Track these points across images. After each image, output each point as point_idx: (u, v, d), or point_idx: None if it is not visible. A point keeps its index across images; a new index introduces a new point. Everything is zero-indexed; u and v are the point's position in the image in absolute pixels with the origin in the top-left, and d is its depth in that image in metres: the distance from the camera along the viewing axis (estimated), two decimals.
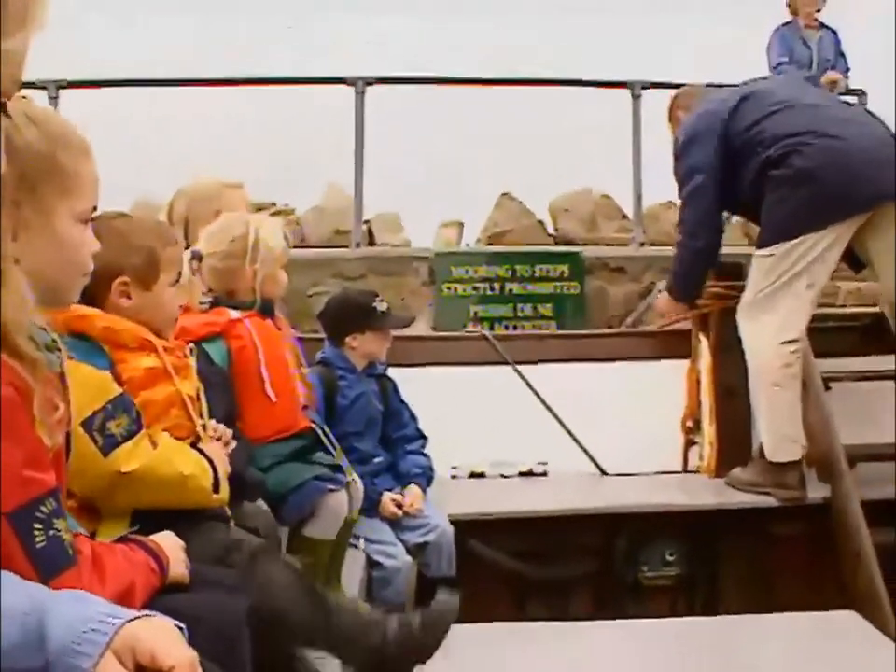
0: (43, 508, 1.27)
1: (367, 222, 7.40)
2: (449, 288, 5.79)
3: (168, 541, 1.60)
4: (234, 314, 2.71)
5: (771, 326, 3.74)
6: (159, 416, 1.98)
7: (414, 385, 3.75)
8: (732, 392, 4.07)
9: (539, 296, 5.84)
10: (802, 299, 3.74)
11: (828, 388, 3.94)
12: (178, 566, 1.58)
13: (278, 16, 10.60)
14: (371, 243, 7.13)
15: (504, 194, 7.65)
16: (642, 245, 6.26)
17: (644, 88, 6.25)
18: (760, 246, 3.82)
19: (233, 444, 2.17)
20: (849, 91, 6.77)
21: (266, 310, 2.80)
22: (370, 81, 6.07)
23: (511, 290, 5.84)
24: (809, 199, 3.64)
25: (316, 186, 7.84)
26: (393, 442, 3.61)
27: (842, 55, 6.76)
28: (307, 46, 9.76)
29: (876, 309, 4.23)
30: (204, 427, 2.07)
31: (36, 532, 1.26)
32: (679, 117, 4.13)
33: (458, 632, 2.81)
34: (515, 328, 5.79)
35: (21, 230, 1.42)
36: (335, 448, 2.94)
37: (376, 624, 2.21)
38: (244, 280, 2.76)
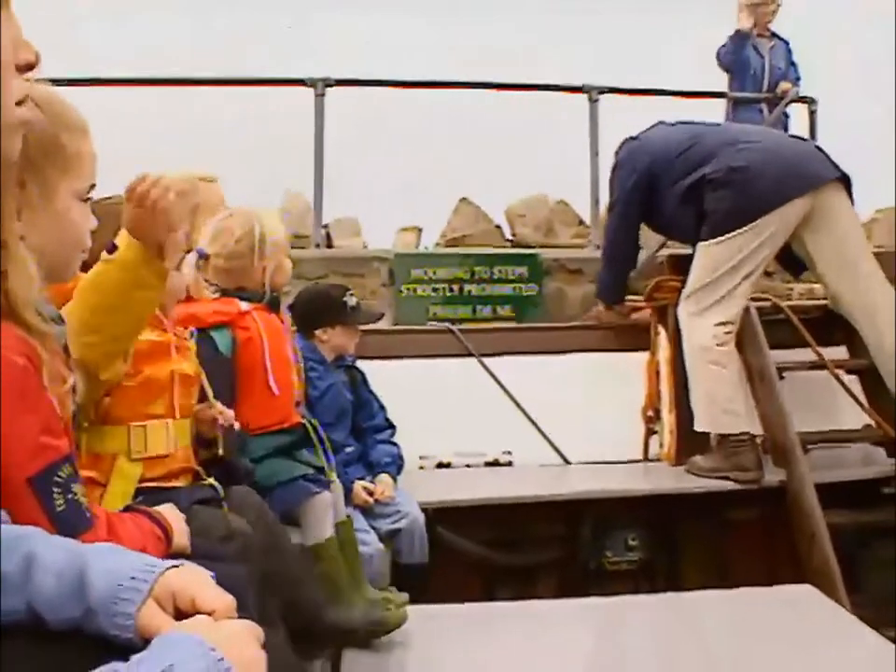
0: (61, 472, 1.31)
1: (325, 226, 7.42)
2: (409, 289, 5.81)
3: (171, 513, 1.65)
4: (244, 305, 2.77)
5: (708, 311, 3.97)
6: (160, 393, 2.03)
7: (381, 377, 3.81)
8: None
9: (498, 297, 5.88)
10: (737, 289, 3.97)
11: (782, 378, 4.07)
12: (182, 536, 1.62)
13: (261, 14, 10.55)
14: (330, 247, 7.11)
15: (462, 199, 7.68)
16: (598, 247, 6.34)
17: (601, 93, 6.32)
18: (702, 238, 4.02)
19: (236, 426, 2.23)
20: (800, 99, 6.96)
21: (273, 303, 2.86)
22: (329, 83, 6.08)
23: (469, 292, 5.87)
24: (746, 191, 3.90)
25: (279, 189, 7.84)
26: (363, 432, 3.68)
27: (793, 64, 6.95)
28: (278, 47, 9.73)
29: (826, 302, 4.39)
30: (211, 406, 2.13)
31: (56, 496, 1.30)
32: None
33: (429, 612, 2.93)
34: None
35: (25, 208, 1.46)
36: (323, 446, 2.97)
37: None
38: (252, 276, 2.82)
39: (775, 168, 3.92)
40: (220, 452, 2.22)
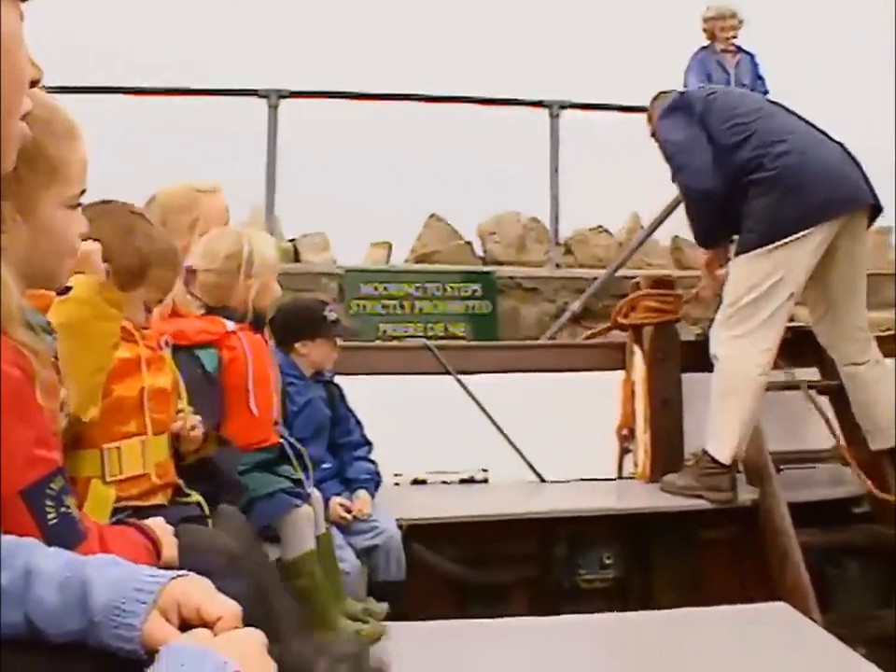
0: (53, 485, 1.30)
1: (293, 241, 7.35)
2: (358, 305, 5.70)
3: (160, 526, 1.65)
4: (229, 325, 2.77)
5: (754, 335, 3.79)
6: (132, 412, 2.01)
7: (356, 393, 3.80)
8: (666, 402, 4.24)
9: (450, 315, 5.80)
10: (782, 309, 3.81)
11: None
12: (171, 549, 1.62)
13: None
14: (298, 262, 7.02)
15: (432, 215, 7.64)
16: (558, 266, 6.31)
17: (562, 108, 6.31)
18: (743, 250, 3.85)
19: (200, 429, 2.21)
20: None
21: (258, 323, 2.87)
22: (283, 94, 6.03)
23: (421, 309, 5.78)
24: (797, 198, 3.70)
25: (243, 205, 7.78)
26: (340, 448, 3.66)
27: (760, 78, 6.80)
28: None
29: (798, 324, 4.45)
30: (182, 415, 2.11)
31: (49, 509, 1.29)
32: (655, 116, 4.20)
33: (402, 629, 2.92)
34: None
35: (7, 220, 1.43)
36: (301, 460, 2.97)
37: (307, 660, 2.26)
38: (237, 294, 2.82)
39: (829, 178, 3.74)
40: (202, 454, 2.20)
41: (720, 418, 3.90)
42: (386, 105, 6.94)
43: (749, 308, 3.81)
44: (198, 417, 2.17)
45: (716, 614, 3.06)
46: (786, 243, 3.71)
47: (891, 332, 4.56)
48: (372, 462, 3.66)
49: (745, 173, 3.81)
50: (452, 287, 5.85)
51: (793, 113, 4.07)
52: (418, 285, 5.83)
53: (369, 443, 3.71)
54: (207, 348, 2.69)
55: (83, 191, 1.58)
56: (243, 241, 2.83)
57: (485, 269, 6.33)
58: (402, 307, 5.76)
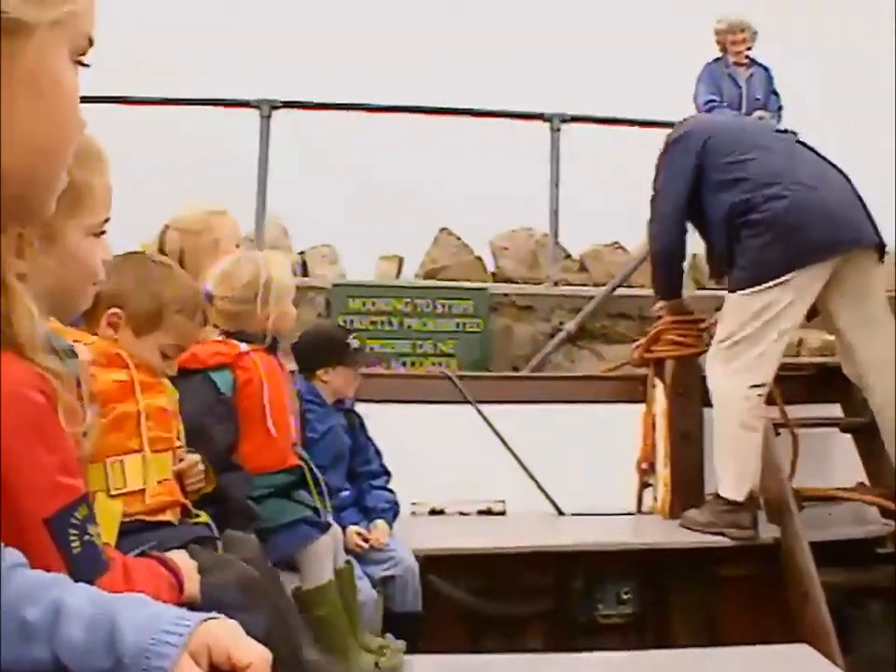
0: (77, 514, 1.28)
1: (302, 254, 7.28)
2: (344, 321, 5.52)
3: (183, 560, 1.64)
4: (243, 346, 2.76)
5: (742, 371, 3.82)
6: (133, 429, 1.97)
7: (375, 421, 3.80)
8: (687, 437, 4.20)
9: (440, 332, 5.63)
10: (773, 347, 3.83)
11: (777, 434, 4.08)
12: (193, 584, 1.60)
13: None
14: (306, 276, 6.85)
15: (443, 229, 7.51)
16: (556, 284, 6.13)
17: (563, 121, 6.20)
18: (736, 288, 3.89)
19: (200, 468, 2.19)
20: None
21: (272, 345, 2.86)
22: (276, 105, 5.97)
23: (410, 326, 5.61)
24: (790, 240, 3.74)
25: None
26: (358, 477, 3.65)
27: (774, 93, 6.65)
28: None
29: (821, 359, 4.41)
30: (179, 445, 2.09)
31: (73, 538, 1.26)
32: None
33: (417, 662, 2.89)
34: (413, 364, 5.55)
35: (28, 249, 1.44)
36: (321, 488, 2.95)
37: None
38: (255, 321, 2.81)
39: (822, 220, 3.76)
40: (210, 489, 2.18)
41: (719, 457, 3.94)
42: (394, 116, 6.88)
43: (741, 345, 3.85)
44: (197, 457, 2.15)
45: (736, 654, 3.03)
46: (775, 284, 3.76)
47: None
48: (391, 491, 3.65)
49: (738, 213, 3.85)
50: (442, 304, 5.67)
51: (800, 141, 4.08)
52: (407, 300, 5.65)
53: (388, 473, 3.69)
54: (221, 370, 2.68)
55: (108, 219, 1.57)
56: (260, 268, 2.83)
57: (478, 285, 6.10)
58: (391, 324, 5.58)
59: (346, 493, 3.52)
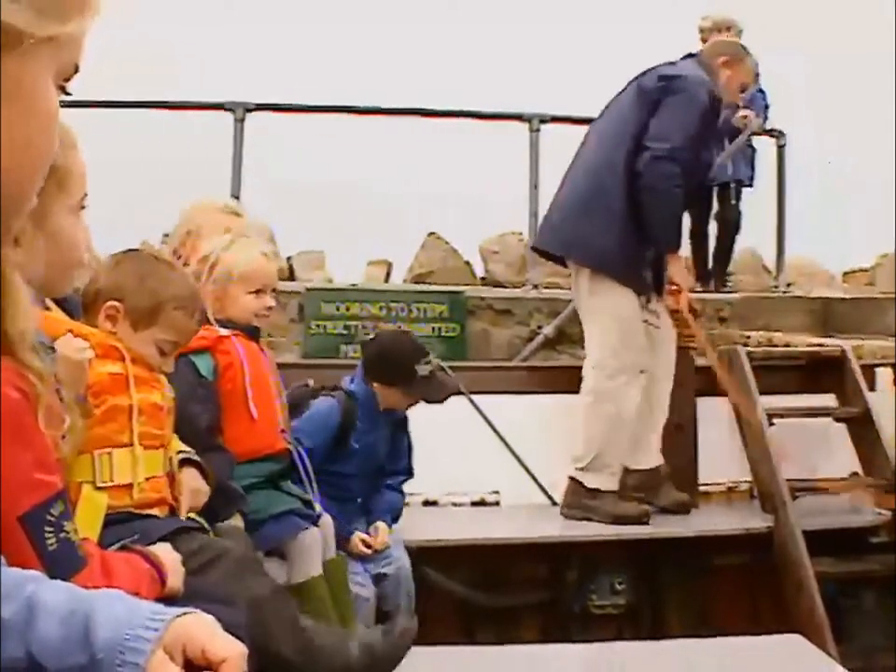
0: (53, 510, 1.28)
1: (289, 259, 7.25)
2: (318, 326, 5.46)
3: (166, 553, 1.62)
4: (223, 331, 2.74)
5: None
6: (125, 422, 1.96)
7: None
8: (680, 427, 4.19)
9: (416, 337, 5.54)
10: None
11: (771, 424, 4.07)
12: (176, 577, 1.59)
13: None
14: (293, 280, 6.84)
15: (431, 234, 7.39)
16: (535, 287, 6.02)
17: (543, 122, 6.07)
18: None
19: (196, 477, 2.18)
20: (767, 132, 6.64)
21: (252, 332, 2.83)
22: (249, 108, 5.89)
23: None
24: None
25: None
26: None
27: (760, 91, 6.55)
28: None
29: (815, 349, 4.40)
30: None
31: (48, 535, 1.27)
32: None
33: (410, 654, 2.87)
34: None
35: (21, 234, 1.44)
36: (309, 478, 2.89)
37: (341, 647, 2.25)
38: (234, 304, 2.80)
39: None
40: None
41: None
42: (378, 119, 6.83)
43: None
44: (207, 488, 2.14)
45: (729, 645, 3.01)
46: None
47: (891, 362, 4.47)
48: (401, 493, 3.55)
49: None
50: (418, 308, 5.56)
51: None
52: (382, 305, 5.54)
53: (410, 473, 3.57)
54: (202, 354, 2.65)
55: (85, 195, 1.66)
56: (216, 246, 2.79)
57: (455, 289, 6.00)
58: (366, 327, 5.39)
59: (360, 500, 3.41)
